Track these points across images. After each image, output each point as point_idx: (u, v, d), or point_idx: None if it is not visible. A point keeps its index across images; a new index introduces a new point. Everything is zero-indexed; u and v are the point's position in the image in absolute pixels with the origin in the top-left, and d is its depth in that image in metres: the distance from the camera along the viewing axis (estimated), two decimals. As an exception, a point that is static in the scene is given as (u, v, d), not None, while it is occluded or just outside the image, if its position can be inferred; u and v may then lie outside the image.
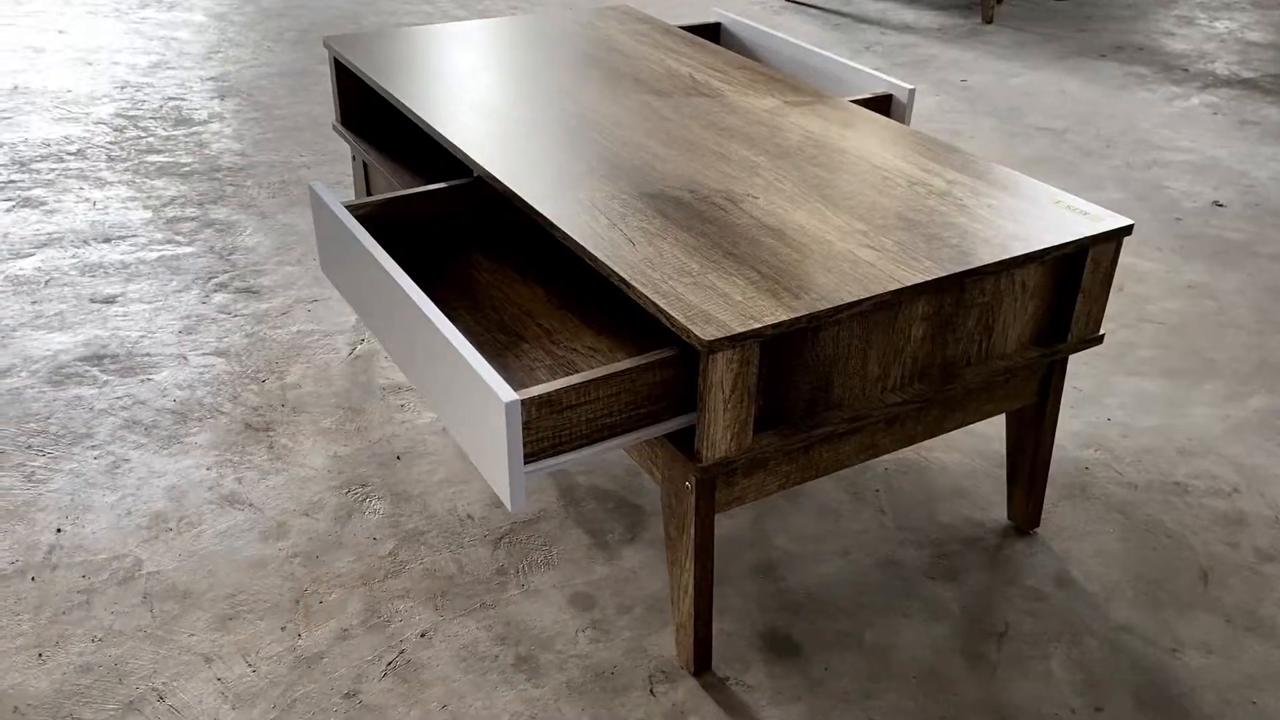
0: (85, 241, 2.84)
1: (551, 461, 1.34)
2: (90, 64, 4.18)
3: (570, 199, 1.66)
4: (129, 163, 3.32)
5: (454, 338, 1.35)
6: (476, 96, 2.07)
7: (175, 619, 1.69)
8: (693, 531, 1.49)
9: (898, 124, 1.98)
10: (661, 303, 1.38)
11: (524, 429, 1.29)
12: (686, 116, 1.99)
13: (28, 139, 3.47)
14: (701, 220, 1.60)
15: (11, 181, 3.18)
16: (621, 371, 1.34)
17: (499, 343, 1.61)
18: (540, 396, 1.28)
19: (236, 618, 1.70)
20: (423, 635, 1.67)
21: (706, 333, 1.31)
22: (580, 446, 1.35)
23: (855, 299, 1.40)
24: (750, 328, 1.33)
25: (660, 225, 1.58)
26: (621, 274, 1.45)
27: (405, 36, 2.45)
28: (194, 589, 1.75)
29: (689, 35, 2.50)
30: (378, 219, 1.80)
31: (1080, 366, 2.39)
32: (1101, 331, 1.74)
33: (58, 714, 1.53)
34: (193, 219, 2.98)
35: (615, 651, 1.65)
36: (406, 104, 2.05)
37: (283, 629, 1.68)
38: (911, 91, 2.27)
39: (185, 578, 1.77)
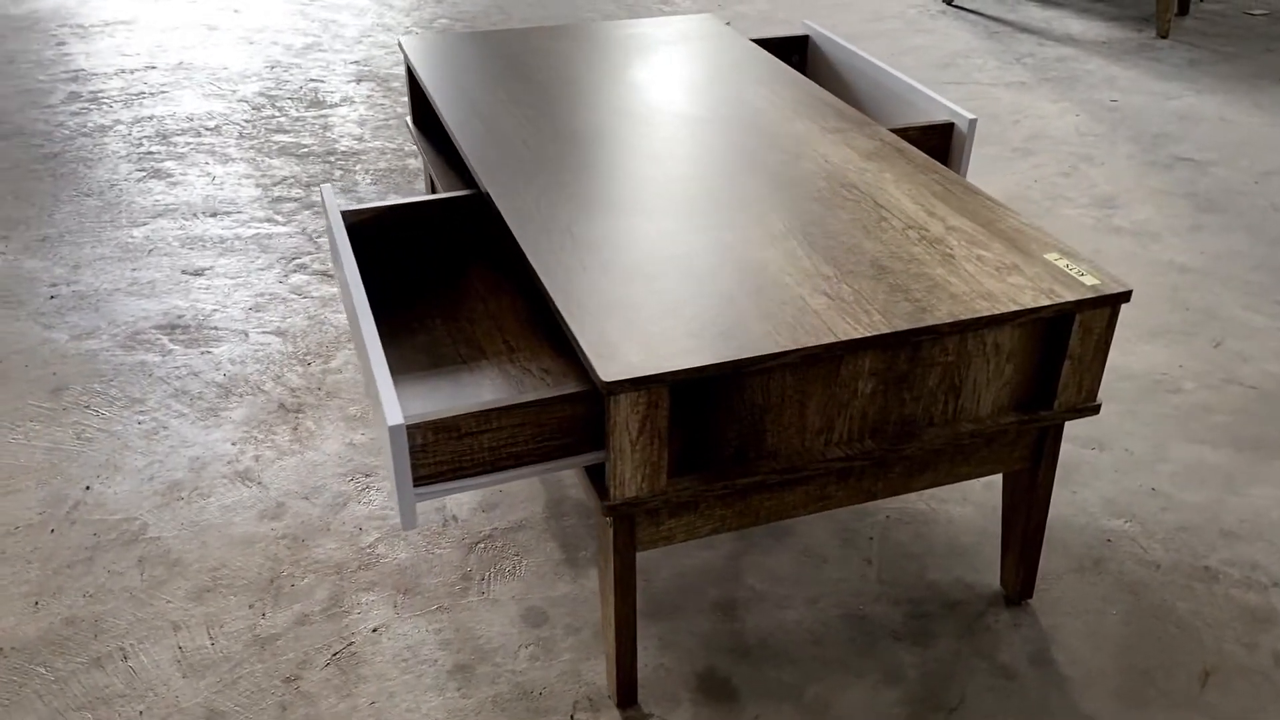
0: (195, 214, 3.05)
1: (452, 485, 1.36)
2: (252, 43, 4.46)
3: (545, 216, 1.66)
4: (255, 141, 3.53)
5: (373, 353, 1.39)
6: (506, 105, 2.10)
7: (160, 584, 1.81)
8: (612, 567, 1.48)
9: (925, 158, 1.89)
10: (580, 336, 1.37)
11: (420, 452, 1.32)
12: (711, 139, 1.96)
13: (175, 113, 3.75)
14: (666, 249, 1.58)
15: (150, 153, 3.44)
16: (527, 403, 1.34)
17: (459, 356, 1.64)
18: (434, 421, 1.30)
19: (214, 590, 1.80)
20: (374, 630, 1.73)
21: (609, 372, 1.30)
22: (483, 473, 1.37)
23: (778, 350, 1.35)
24: (657, 371, 1.31)
25: (618, 251, 1.57)
26: (556, 301, 1.45)
27: (477, 40, 2.51)
28: (184, 558, 1.87)
29: (761, 54, 2.45)
30: (377, 226, 1.86)
31: (1137, 425, 2.22)
32: (1098, 401, 1.61)
33: (34, 659, 1.67)
34: (295, 200, 3.15)
35: (550, 672, 1.66)
36: (438, 107, 2.10)
37: (250, 607, 1.77)
38: (973, 121, 2.16)
39: (180, 546, 1.89)
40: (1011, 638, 1.73)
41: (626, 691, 1.60)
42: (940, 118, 2.23)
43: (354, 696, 1.62)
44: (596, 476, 1.43)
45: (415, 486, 1.34)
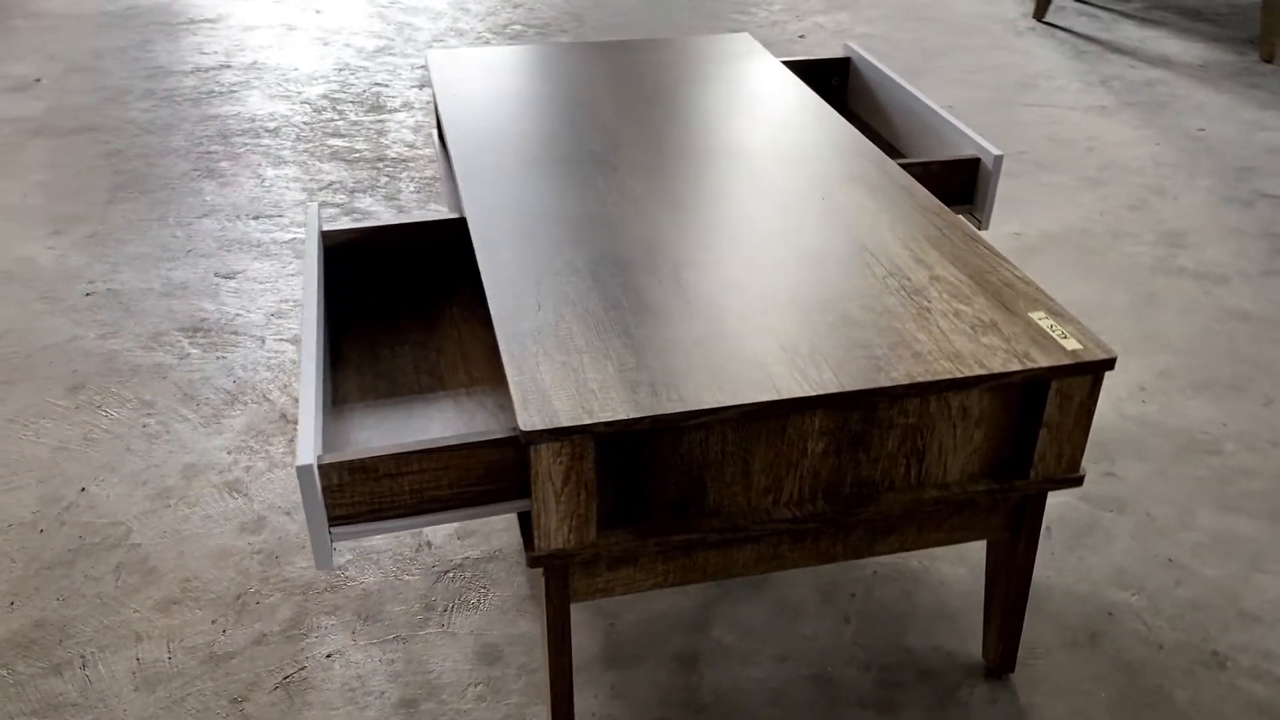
0: (238, 216, 3.10)
1: (371, 526, 1.33)
2: (326, 45, 4.53)
3: (515, 246, 1.62)
4: (310, 144, 3.58)
5: (307, 385, 1.37)
6: (507, 125, 2.06)
7: (132, 593, 1.83)
8: (546, 616, 1.44)
9: (930, 200, 1.79)
10: (512, 379, 1.33)
11: (336, 491, 1.29)
12: (704, 172, 1.89)
13: (240, 113, 3.83)
14: (628, 291, 1.52)
15: (209, 152, 3.52)
16: (449, 447, 1.30)
17: (419, 386, 1.61)
18: (349, 462, 1.27)
19: (181, 602, 1.81)
20: (328, 656, 1.72)
21: (528, 422, 1.25)
22: (405, 516, 1.33)
23: (714, 406, 1.29)
24: (579, 422, 1.26)
25: (580, 292, 1.52)
26: (500, 339, 1.41)
27: (502, 56, 2.48)
28: (160, 567, 1.88)
29: (786, 78, 2.37)
30: (362, 247, 1.84)
31: (1166, 487, 2.07)
32: (1082, 472, 1.50)
33: (26, 643, 1.70)
34: (338, 205, 3.17)
35: (497, 713, 1.62)
36: (443, 123, 2.08)
37: (213, 622, 1.78)
38: (999, 158, 2.05)
39: (158, 554, 1.91)
40: (985, 714, 1.63)
41: (564, 742, 1.56)
42: (968, 152, 2.13)
43: (296, 724, 1.61)
44: (528, 524, 1.38)
45: (333, 526, 1.31)
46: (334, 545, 1.35)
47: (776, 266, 1.59)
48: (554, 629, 1.45)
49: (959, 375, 1.35)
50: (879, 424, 1.39)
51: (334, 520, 1.31)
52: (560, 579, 1.41)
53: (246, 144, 3.58)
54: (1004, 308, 1.49)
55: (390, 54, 4.43)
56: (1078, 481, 1.49)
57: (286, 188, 3.28)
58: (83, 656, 1.71)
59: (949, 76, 4.22)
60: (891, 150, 2.44)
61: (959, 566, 1.89)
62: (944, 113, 2.23)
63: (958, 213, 2.15)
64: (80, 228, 3.03)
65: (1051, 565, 1.89)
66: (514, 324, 1.45)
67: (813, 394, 1.31)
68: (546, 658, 1.47)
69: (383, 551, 1.92)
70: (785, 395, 1.31)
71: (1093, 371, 1.39)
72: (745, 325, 1.44)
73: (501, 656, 1.72)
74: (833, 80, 2.67)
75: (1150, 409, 2.31)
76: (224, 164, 3.43)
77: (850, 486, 1.44)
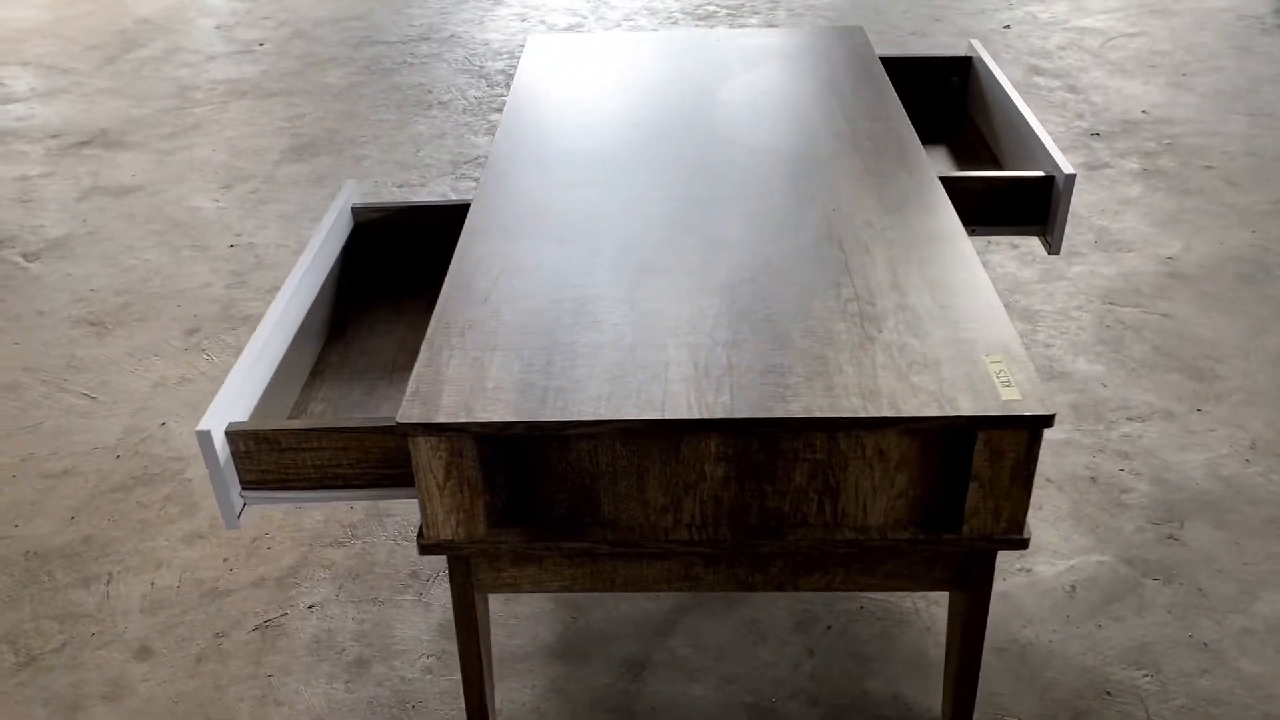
0: (385, 185, 3.29)
1: (280, 495, 1.40)
2: (524, 20, 4.69)
3: (498, 237, 1.64)
4: (472, 118, 3.73)
5: (248, 354, 1.46)
6: (556, 117, 2.07)
7: (168, 523, 2.02)
8: (453, 603, 1.47)
9: (951, 219, 1.65)
10: (416, 369, 1.36)
11: (245, 458, 1.37)
12: (728, 171, 1.83)
13: (420, 84, 4.04)
14: (579, 292, 1.51)
15: (380, 120, 3.74)
16: (346, 429, 1.35)
17: (394, 364, 1.68)
18: (253, 432, 1.35)
19: (206, 538, 1.98)
20: (309, 607, 1.83)
21: (406, 414, 1.28)
22: (311, 489, 1.40)
23: (594, 419, 1.26)
24: (456, 420, 1.27)
25: (533, 288, 1.52)
26: (431, 328, 1.44)
27: (599, 43, 2.49)
28: (200, 504, 2.06)
29: (874, 74, 2.25)
30: (389, 225, 1.92)
31: (1235, 560, 1.83)
32: (1026, 534, 1.36)
33: (45, 566, 1.93)
34: (475, 179, 3.30)
35: (435, 688, 1.68)
36: (505, 112, 2.12)
37: (225, 560, 1.93)
38: (1071, 177, 1.86)
39: (202, 491, 2.09)
40: (921, 777, 1.52)
41: (479, 725, 1.59)
42: (1044, 170, 1.95)
43: (259, 665, 1.72)
44: (432, 511, 1.42)
45: (245, 489, 1.40)
46: (245, 507, 1.43)
47: (743, 279, 1.53)
48: (460, 616, 1.48)
49: (862, 415, 1.25)
50: (783, 456, 1.32)
51: (246, 484, 1.40)
52: (462, 569, 1.44)
53: (417, 115, 3.78)
54: (959, 346, 1.37)
55: (578, 30, 4.53)
56: (1020, 544, 1.35)
57: (435, 159, 3.44)
58: (110, 574, 1.91)
59: (1167, 78, 3.84)
60: (992, 159, 2.27)
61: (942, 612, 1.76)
62: (1035, 123, 2.05)
63: (1029, 235, 1.98)
64: (247, 184, 3.31)
65: (1063, 629, 1.73)
66: (453, 313, 1.47)
67: (697, 417, 1.26)
68: (457, 642, 1.50)
69: (391, 516, 2.01)
70: (669, 416, 1.27)
71: (1027, 427, 1.26)
72: (676, 338, 1.40)
73: (443, 656, 1.77)
74: (952, 79, 2.51)
75: (1252, 471, 2.04)
76: (392, 132, 3.64)
77: (756, 516, 1.37)
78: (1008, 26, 4.43)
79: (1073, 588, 1.80)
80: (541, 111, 2.11)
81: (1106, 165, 3.24)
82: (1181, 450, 2.10)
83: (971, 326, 1.40)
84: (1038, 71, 3.95)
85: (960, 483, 1.33)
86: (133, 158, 3.53)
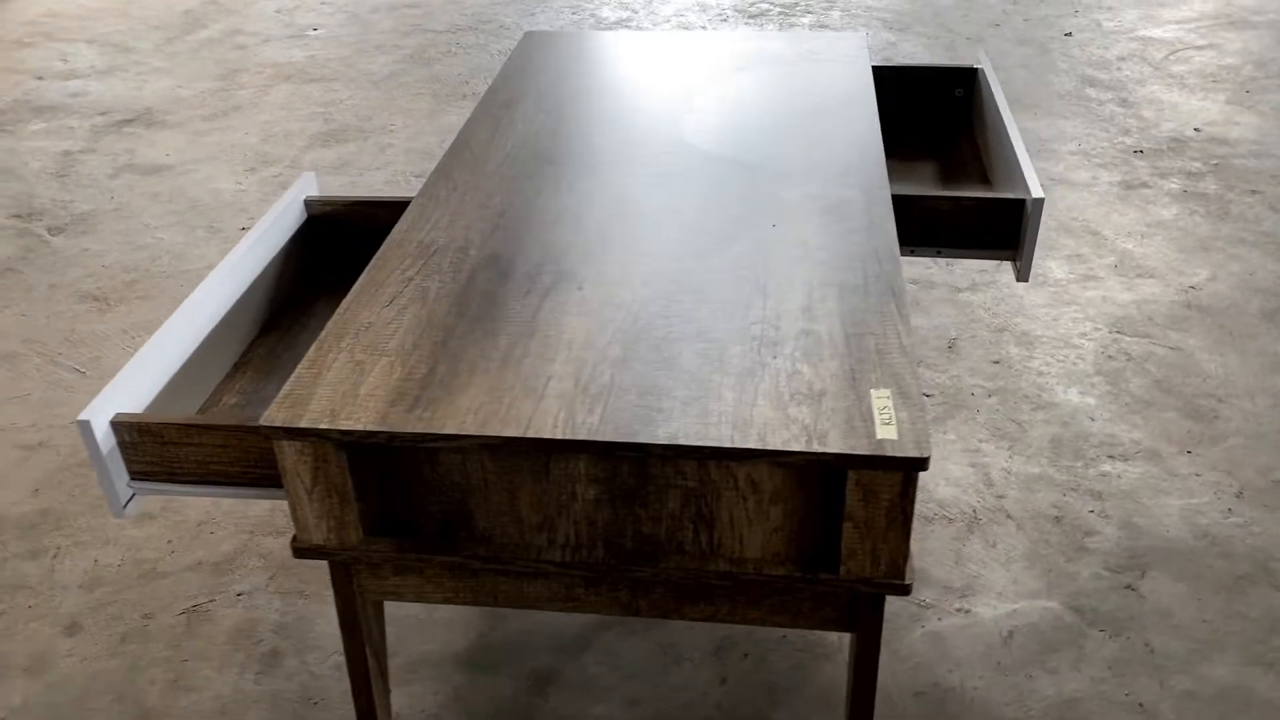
0: (362, 174, 3.31)
1: (165, 486, 1.41)
2: (574, 14, 4.67)
3: (426, 236, 1.63)
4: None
5: (149, 346, 1.47)
6: (522, 118, 2.05)
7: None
8: (337, 609, 1.46)
9: (888, 244, 1.58)
10: (301, 370, 1.35)
11: (130, 448, 1.38)
12: (677, 187, 1.79)
13: (458, 74, 4.05)
14: (488, 298, 1.48)
15: (403, 109, 3.76)
16: (219, 426, 1.35)
17: (316, 362, 1.67)
18: (136, 424, 1.36)
19: (156, 519, 2.01)
20: (238, 595, 1.84)
21: (269, 417, 1.27)
22: (195, 484, 1.40)
23: (452, 433, 1.24)
24: (316, 426, 1.26)
25: (442, 291, 1.50)
26: (328, 327, 1.43)
27: (593, 42, 2.46)
28: (157, 484, 2.09)
29: (856, 90, 2.17)
30: (342, 218, 1.92)
31: (1191, 618, 1.72)
32: (907, 580, 1.29)
33: (1, 536, 1.99)
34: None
35: (343, 684, 1.68)
36: (477, 107, 2.10)
37: (169, 542, 1.96)
38: (1039, 201, 1.77)
39: (161, 473, 2.12)
40: (809, 820, 1.46)
41: (368, 730, 1.58)
42: (1012, 192, 1.86)
43: (178, 649, 1.75)
44: (315, 513, 1.41)
45: (134, 479, 1.41)
46: (134, 497, 1.45)
47: (656, 294, 1.48)
48: (344, 622, 1.47)
49: (725, 445, 1.20)
50: (654, 481, 1.28)
51: (134, 474, 1.41)
52: (343, 575, 1.43)
53: (450, 105, 3.79)
54: (851, 378, 1.30)
55: (626, 25, 4.50)
56: (902, 590, 1.29)
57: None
58: (59, 548, 1.95)
59: (1229, 94, 3.64)
60: (982, 176, 2.18)
61: (881, 651, 1.69)
62: (1016, 141, 1.95)
63: (998, 259, 1.89)
64: (272, 168, 3.37)
65: (990, 676, 1.65)
66: (353, 313, 1.46)
67: (559, 437, 1.23)
68: (344, 647, 1.50)
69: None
70: (531, 434, 1.23)
71: (900, 468, 1.19)
72: (568, 352, 1.37)
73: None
74: (956, 91, 2.41)
75: (1232, 522, 1.92)
76: (422, 121, 3.66)
77: (632, 541, 1.33)
78: (1069, 34, 4.25)
79: (1010, 633, 1.71)
80: (510, 113, 2.09)
81: (1144, 185, 3.09)
82: (1160, 494, 1.99)
83: (871, 358, 1.34)
84: (1091, 83, 3.79)
85: (838, 522, 1.27)
86: (169, 137, 3.62)
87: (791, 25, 4.47)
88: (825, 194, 1.73)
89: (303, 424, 1.26)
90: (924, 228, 1.87)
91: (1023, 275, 1.85)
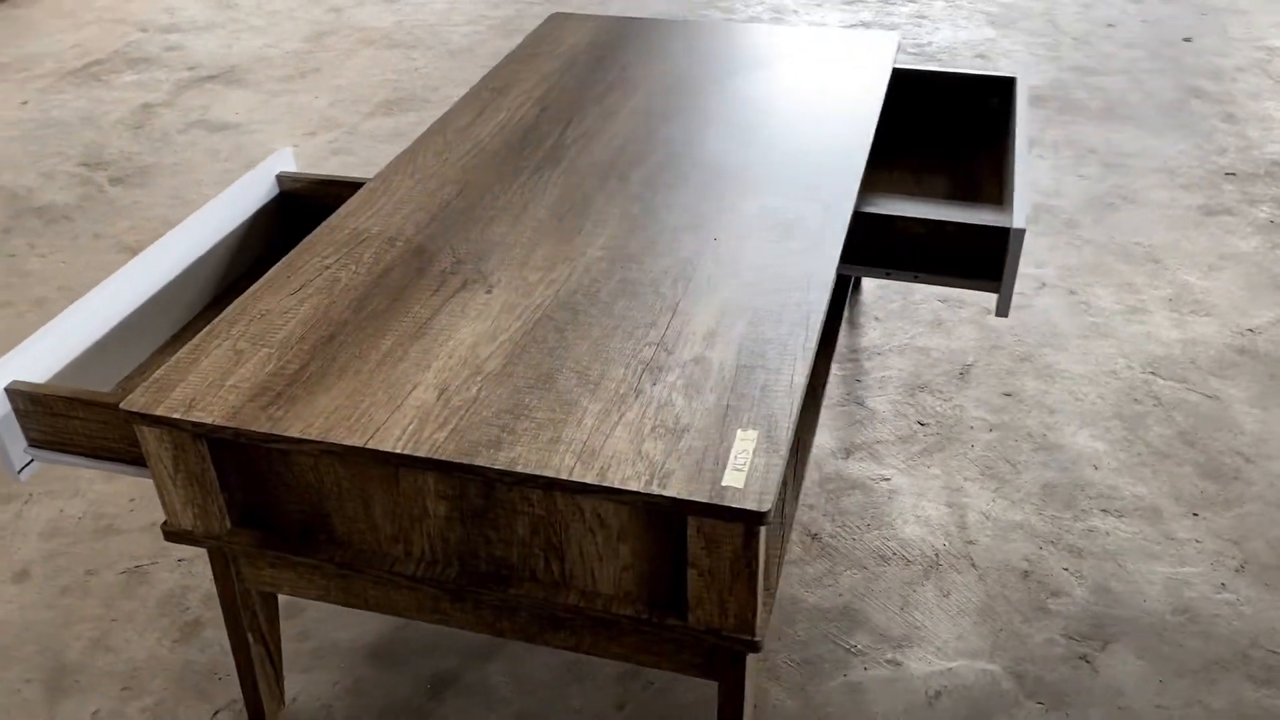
0: (454, 146, 3.30)
1: (58, 456, 1.43)
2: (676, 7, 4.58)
3: (369, 219, 1.60)
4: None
5: (75, 309, 1.49)
6: (517, 102, 2.00)
7: (102, 456, 2.11)
8: (219, 595, 1.46)
9: (819, 272, 1.48)
10: (182, 354, 1.34)
11: (24, 416, 1.40)
12: (653, 181, 1.71)
13: (537, 48, 4.01)
14: (394, 293, 1.45)
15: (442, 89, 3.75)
16: (99, 403, 1.36)
17: (249, 341, 1.67)
18: (27, 392, 1.38)
19: (124, 478, 2.06)
20: (179, 561, 1.87)
21: (130, 401, 1.27)
22: (85, 456, 1.42)
23: (294, 435, 1.21)
24: (169, 415, 1.24)
25: (352, 283, 1.47)
26: (227, 310, 1.42)
27: (618, 28, 2.38)
28: (136, 441, 2.15)
29: (866, 101, 2.03)
30: (314, 196, 1.91)
31: (1144, 702, 1.57)
32: (757, 637, 1.19)
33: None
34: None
35: (251, 664, 1.68)
36: (474, 87, 2.06)
37: (131, 500, 2.00)
38: (1020, 232, 1.63)
39: (142, 430, 2.17)
40: None
41: (255, 712, 1.57)
42: (996, 219, 1.71)
43: (110, 608, 1.79)
44: (196, 497, 1.40)
45: (31, 446, 1.43)
46: (31, 463, 1.47)
47: (562, 303, 1.42)
48: (225, 607, 1.47)
49: (560, 476, 1.14)
50: (502, 505, 1.22)
51: (31, 441, 1.43)
52: (221, 562, 1.43)
53: (517, 78, 3.76)
54: (723, 414, 1.22)
55: (716, 7, 4.38)
56: (751, 646, 1.20)
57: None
58: (30, 495, 2.02)
59: (1343, 115, 3.31)
60: (997, 195, 2.02)
61: (792, 697, 1.60)
62: (1020, 163, 1.80)
63: (980, 289, 1.75)
64: (330, 133, 3.41)
65: (905, 737, 1.54)
66: (256, 298, 1.45)
67: (398, 451, 1.18)
68: (228, 633, 1.50)
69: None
70: (371, 445, 1.19)
71: (740, 519, 1.11)
72: (447, 359, 1.32)
73: (301, 611, 1.76)
74: (992, 100, 2.24)
75: (1222, 599, 1.74)
76: (461, 92, 3.64)
77: (485, 563, 1.28)
78: (1188, 39, 3.94)
79: (938, 694, 1.60)
80: (499, 98, 2.04)
81: (1227, 211, 2.84)
82: (1148, 559, 1.82)
83: (752, 395, 1.25)
84: (1198, 94, 3.50)
85: (685, 567, 1.19)
86: (244, 96, 3.71)
87: (889, 14, 4.28)
88: (784, 207, 1.63)
89: (158, 411, 1.25)
90: (901, 250, 1.75)
91: (1001, 309, 1.71)
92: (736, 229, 1.58)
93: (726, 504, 1.10)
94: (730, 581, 1.17)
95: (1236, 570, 1.80)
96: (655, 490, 1.12)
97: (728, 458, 1.16)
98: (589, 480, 1.13)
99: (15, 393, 1.39)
